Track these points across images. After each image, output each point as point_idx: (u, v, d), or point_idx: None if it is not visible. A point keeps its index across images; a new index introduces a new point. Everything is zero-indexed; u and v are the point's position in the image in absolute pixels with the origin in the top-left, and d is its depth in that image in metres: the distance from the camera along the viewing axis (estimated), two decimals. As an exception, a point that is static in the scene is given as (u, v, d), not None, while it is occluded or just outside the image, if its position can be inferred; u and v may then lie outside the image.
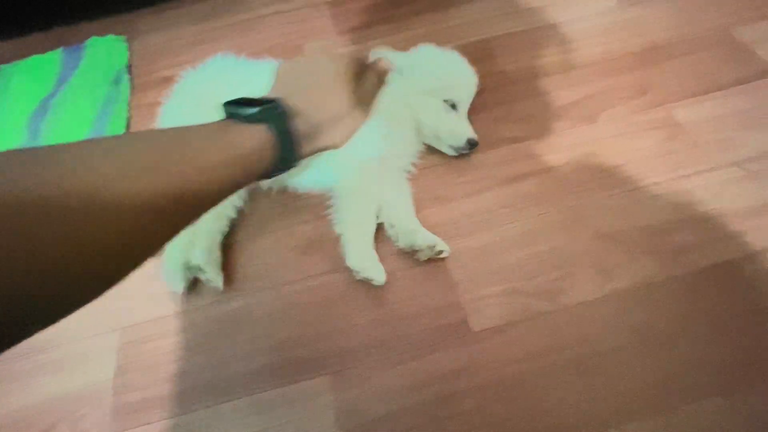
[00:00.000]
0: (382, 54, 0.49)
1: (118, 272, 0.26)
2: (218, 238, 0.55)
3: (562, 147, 0.60)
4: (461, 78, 0.61)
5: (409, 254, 0.52)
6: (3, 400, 0.49)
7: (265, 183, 0.59)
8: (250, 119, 0.34)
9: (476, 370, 0.45)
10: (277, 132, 0.34)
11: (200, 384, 0.47)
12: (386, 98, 0.47)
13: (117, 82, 0.76)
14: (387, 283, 0.51)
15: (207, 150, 0.31)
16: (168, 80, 0.77)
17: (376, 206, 0.54)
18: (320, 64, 0.40)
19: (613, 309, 0.47)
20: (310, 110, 0.37)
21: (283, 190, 0.60)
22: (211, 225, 0.55)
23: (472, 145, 0.58)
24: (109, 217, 0.24)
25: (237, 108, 0.35)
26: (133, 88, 0.77)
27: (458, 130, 0.59)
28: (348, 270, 0.51)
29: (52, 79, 0.79)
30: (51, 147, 0.24)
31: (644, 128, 0.60)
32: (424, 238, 0.51)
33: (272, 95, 0.37)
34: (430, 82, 0.60)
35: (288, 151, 0.36)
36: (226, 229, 0.57)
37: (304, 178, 0.59)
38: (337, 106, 0.39)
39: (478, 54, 0.72)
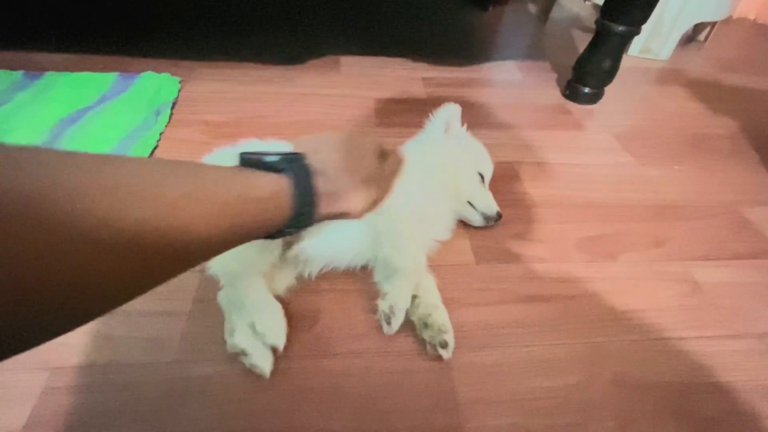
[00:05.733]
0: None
1: (116, 297, 0.22)
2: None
3: (582, 277, 0.58)
4: (487, 157, 0.66)
5: (415, 328, 0.48)
6: None
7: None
8: (268, 167, 0.32)
9: None
10: (296, 183, 0.32)
11: (124, 465, 0.37)
12: (437, 160, 0.56)
13: (158, 113, 0.78)
14: (383, 387, 0.44)
15: (221, 184, 0.28)
16: (205, 123, 0.80)
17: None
18: (346, 136, 0.40)
19: (635, 477, 0.40)
20: (334, 172, 0.35)
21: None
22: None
23: (499, 216, 0.62)
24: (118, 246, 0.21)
25: (255, 156, 0.33)
26: (170, 122, 0.78)
27: (490, 200, 0.63)
28: (340, 359, 0.45)
29: (96, 95, 0.81)
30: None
31: (664, 279, 0.59)
32: (440, 317, 0.48)
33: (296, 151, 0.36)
34: (471, 153, 0.65)
35: (306, 206, 0.33)
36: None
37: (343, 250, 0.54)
38: (360, 174, 0.38)
39: (504, 172, 0.76)
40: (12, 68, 0.87)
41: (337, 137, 0.39)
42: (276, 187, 0.31)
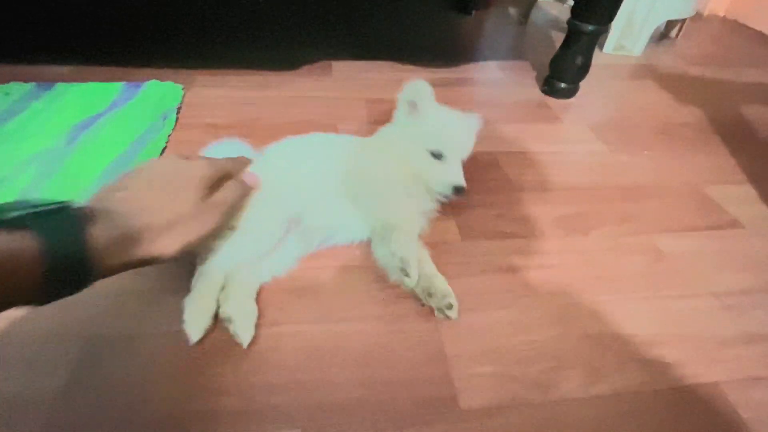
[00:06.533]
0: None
1: None
2: (254, 290, 0.53)
3: (556, 250, 0.64)
4: (444, 128, 0.62)
5: (421, 299, 0.53)
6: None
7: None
8: (8, 225, 0.27)
9: (458, 454, 0.41)
10: (48, 240, 0.27)
11: (161, 414, 0.43)
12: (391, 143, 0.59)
13: (164, 117, 0.84)
14: (380, 345, 0.50)
15: None
16: (209, 126, 0.86)
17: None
18: (169, 166, 0.36)
19: (601, 412, 0.45)
20: (131, 213, 0.31)
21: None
22: (247, 275, 0.53)
23: (458, 190, 0.58)
24: None
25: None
26: (176, 126, 0.84)
27: (443, 177, 0.59)
28: (341, 323, 0.51)
29: (105, 103, 0.86)
30: None
31: (631, 249, 0.66)
32: (441, 284, 0.53)
33: (89, 199, 0.31)
34: (413, 130, 0.62)
35: (72, 264, 0.29)
36: (266, 280, 0.55)
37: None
38: (172, 211, 0.33)
39: (485, 161, 0.82)
40: (24, 80, 0.93)
41: (156, 168, 0.36)
42: (11, 249, 0.26)
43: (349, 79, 1.09)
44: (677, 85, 1.19)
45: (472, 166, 0.74)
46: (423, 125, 0.62)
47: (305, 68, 1.11)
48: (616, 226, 0.70)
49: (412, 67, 1.16)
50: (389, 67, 1.16)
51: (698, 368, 0.50)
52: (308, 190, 0.58)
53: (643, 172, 0.84)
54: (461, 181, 0.60)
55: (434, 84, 1.09)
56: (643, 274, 0.62)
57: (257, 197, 0.56)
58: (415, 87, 0.61)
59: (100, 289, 0.53)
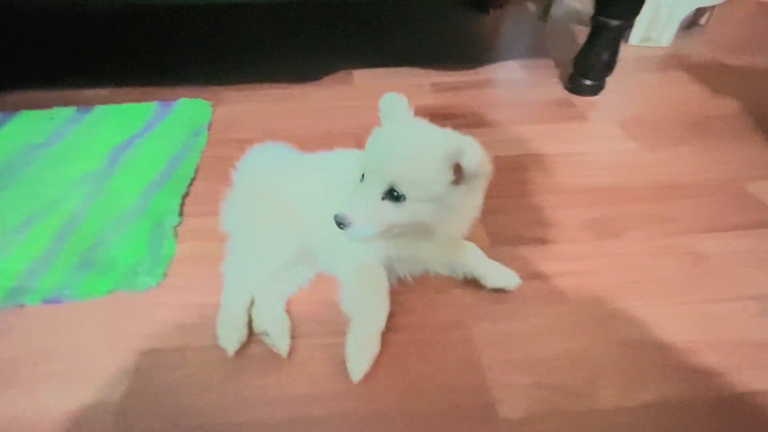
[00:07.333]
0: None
1: None
2: (283, 303, 0.56)
3: (588, 255, 0.64)
4: (371, 143, 0.52)
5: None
6: (-1, 405, 0.47)
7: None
8: None
9: (498, 464, 0.42)
10: None
11: (209, 424, 0.45)
12: None
13: (197, 135, 0.87)
14: (419, 354, 0.51)
15: None
16: (239, 141, 0.89)
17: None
18: None
19: (641, 422, 0.45)
20: None
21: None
22: (273, 289, 0.56)
23: (337, 223, 0.48)
24: None
25: None
26: (208, 142, 0.88)
27: (347, 201, 0.49)
28: (390, 332, 0.52)
29: (141, 124, 0.91)
30: None
31: (667, 251, 0.64)
32: (494, 280, 0.57)
33: None
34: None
35: None
36: (294, 291, 0.58)
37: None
38: None
39: (512, 165, 0.82)
40: (66, 104, 0.99)
41: None
42: None
43: (371, 87, 1.10)
44: (710, 75, 1.14)
45: (497, 169, 0.73)
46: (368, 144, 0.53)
47: (327, 79, 1.13)
48: (650, 227, 0.68)
49: (432, 71, 1.16)
50: (409, 73, 1.16)
51: (743, 376, 0.49)
52: (319, 231, 0.57)
53: (677, 170, 0.81)
54: (345, 212, 0.48)
55: (456, 87, 1.10)
56: (682, 278, 0.60)
57: (274, 214, 0.59)
58: (384, 101, 0.54)
59: (151, 303, 0.57)
